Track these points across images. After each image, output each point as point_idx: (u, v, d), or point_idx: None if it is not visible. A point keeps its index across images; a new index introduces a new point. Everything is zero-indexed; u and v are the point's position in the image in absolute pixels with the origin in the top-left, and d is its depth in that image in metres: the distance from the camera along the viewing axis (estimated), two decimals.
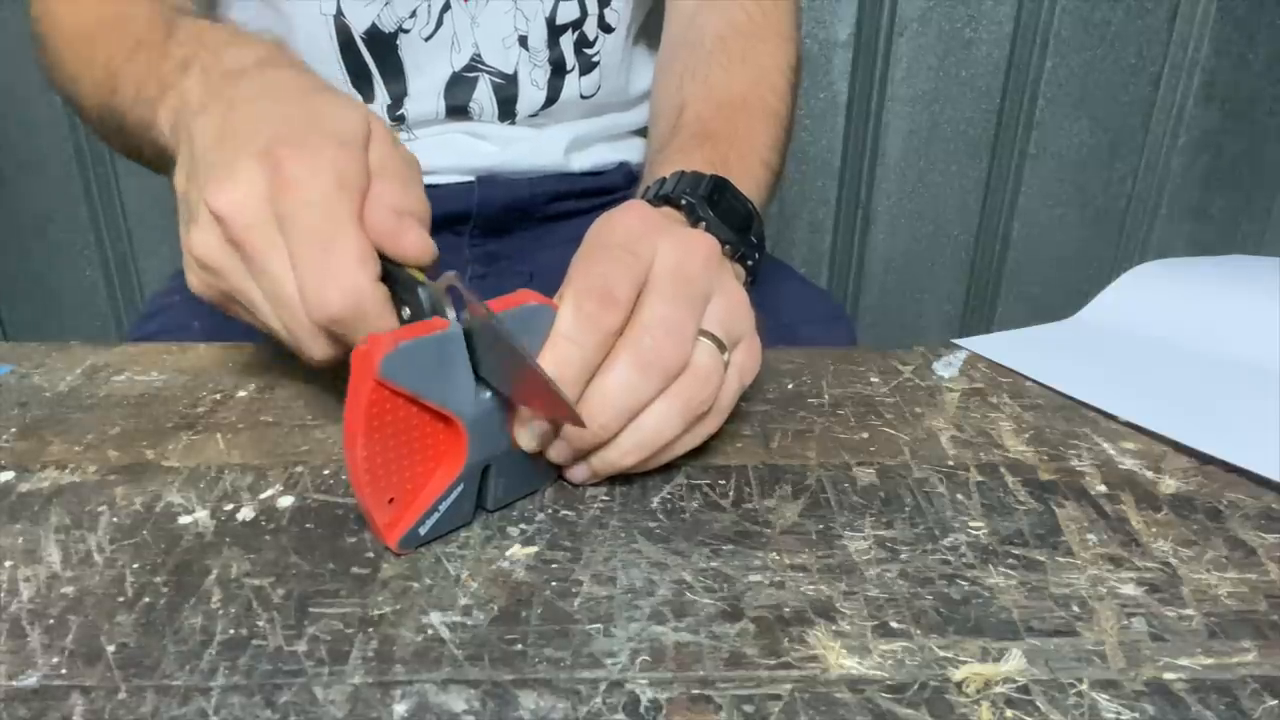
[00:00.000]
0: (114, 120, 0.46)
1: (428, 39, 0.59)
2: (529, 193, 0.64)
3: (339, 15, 0.57)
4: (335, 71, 0.59)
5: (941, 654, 0.26)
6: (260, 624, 0.27)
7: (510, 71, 0.61)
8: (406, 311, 0.32)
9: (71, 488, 0.34)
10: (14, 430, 0.38)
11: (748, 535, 0.31)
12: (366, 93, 0.60)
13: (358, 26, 0.58)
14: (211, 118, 0.35)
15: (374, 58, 0.59)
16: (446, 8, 0.58)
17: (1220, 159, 1.27)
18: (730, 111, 0.54)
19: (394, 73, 0.60)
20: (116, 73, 0.45)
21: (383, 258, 0.32)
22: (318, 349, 0.33)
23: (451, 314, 0.30)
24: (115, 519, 0.32)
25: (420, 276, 0.32)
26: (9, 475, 0.34)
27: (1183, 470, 0.36)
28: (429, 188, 0.66)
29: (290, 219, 0.31)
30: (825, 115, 1.23)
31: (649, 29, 0.67)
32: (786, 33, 0.60)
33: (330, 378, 0.42)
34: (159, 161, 0.43)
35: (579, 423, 0.30)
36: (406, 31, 0.58)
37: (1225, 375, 0.43)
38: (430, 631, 0.27)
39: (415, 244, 0.32)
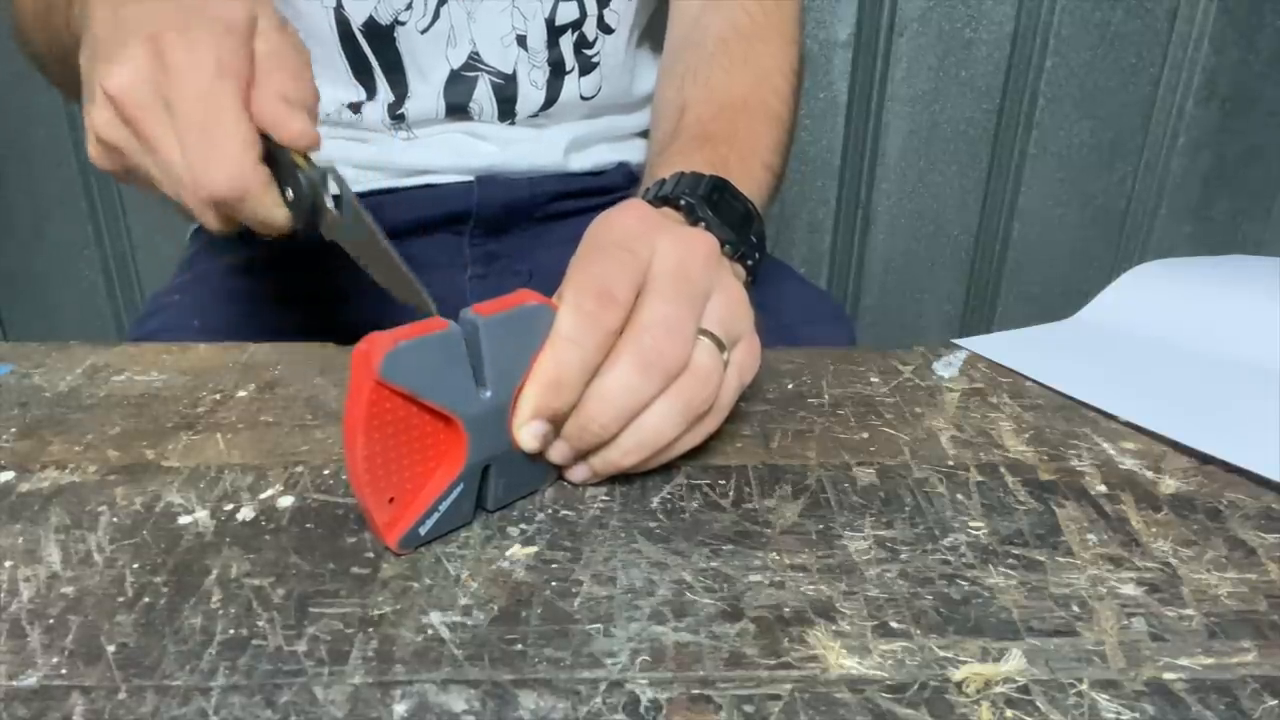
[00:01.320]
0: (58, 47, 0.48)
1: (424, 31, 0.59)
2: (529, 193, 0.64)
3: (339, 7, 0.57)
4: (338, 64, 0.59)
5: (941, 654, 0.26)
6: (260, 624, 0.27)
7: (509, 71, 0.61)
8: (290, 193, 0.34)
9: (71, 488, 0.34)
10: (14, 430, 0.38)
11: (748, 535, 0.31)
12: (369, 87, 0.60)
13: (356, 18, 0.58)
14: (107, 2, 0.37)
15: (373, 50, 0.59)
16: (443, 1, 0.58)
17: (1220, 159, 1.27)
18: (731, 113, 0.54)
19: (394, 67, 0.60)
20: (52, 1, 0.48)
21: (267, 141, 0.34)
22: (212, 222, 0.36)
23: (330, 201, 0.32)
24: (115, 519, 0.32)
25: (302, 161, 0.34)
26: (9, 475, 0.34)
27: (1183, 470, 0.36)
28: (429, 187, 0.66)
29: (174, 105, 0.34)
30: (825, 115, 1.23)
31: (653, 31, 0.66)
32: (789, 34, 0.60)
33: (330, 378, 0.42)
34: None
35: (429, 309, 0.31)
36: (403, 23, 0.58)
37: (1225, 375, 0.43)
38: (430, 631, 0.27)
39: (298, 130, 0.34)
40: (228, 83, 0.34)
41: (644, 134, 0.70)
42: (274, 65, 0.36)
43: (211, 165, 0.33)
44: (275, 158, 0.35)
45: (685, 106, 0.55)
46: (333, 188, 0.33)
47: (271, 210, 0.35)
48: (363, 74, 0.60)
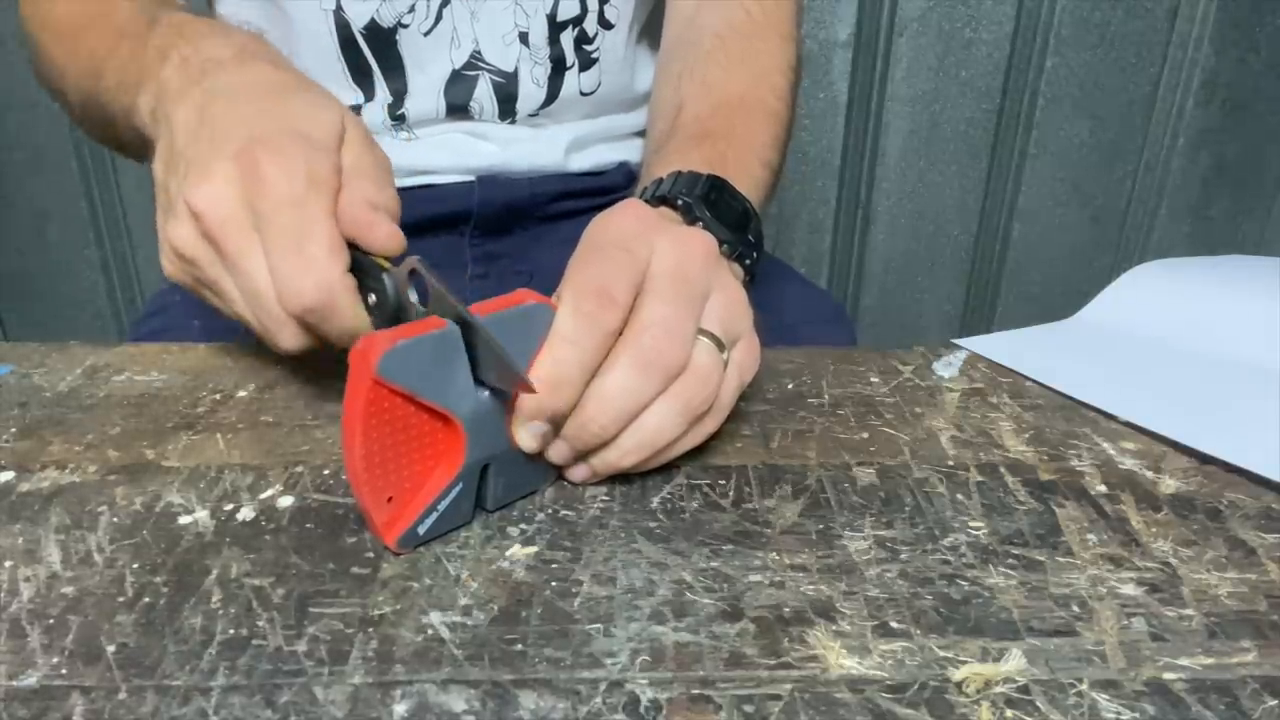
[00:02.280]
0: (98, 110, 0.48)
1: (427, 34, 0.59)
2: (529, 192, 0.64)
3: (339, 10, 0.57)
4: (336, 68, 0.59)
5: (941, 654, 0.26)
6: (260, 624, 0.27)
7: (510, 69, 0.61)
8: (372, 298, 0.34)
9: (71, 488, 0.34)
10: (14, 430, 0.38)
11: (748, 535, 0.31)
12: (367, 90, 0.60)
13: (357, 22, 0.58)
14: (189, 108, 0.37)
15: (374, 53, 0.59)
16: (446, 2, 0.58)
17: (1220, 159, 1.27)
18: (728, 111, 0.54)
19: (394, 69, 0.60)
20: (101, 63, 0.46)
21: (351, 248, 0.34)
22: (288, 339, 0.35)
23: (414, 295, 0.32)
24: (115, 519, 0.32)
25: (385, 264, 0.33)
26: (9, 475, 0.34)
27: (1183, 470, 0.36)
28: (429, 187, 0.66)
29: (265, 216, 0.33)
30: (825, 115, 1.23)
31: (653, 28, 0.66)
32: (787, 32, 0.60)
33: (330, 378, 0.42)
34: (141, 149, 0.45)
35: (530, 389, 0.30)
36: (406, 26, 0.58)
37: (1225, 375, 0.43)
38: (430, 631, 0.27)
39: (386, 235, 0.34)
40: (319, 194, 0.33)
41: (643, 133, 0.70)
42: (359, 174, 0.35)
43: (301, 275, 0.32)
44: (358, 264, 0.34)
45: (682, 104, 0.55)
46: (414, 284, 0.32)
47: (355, 319, 0.34)
48: (362, 77, 0.60)
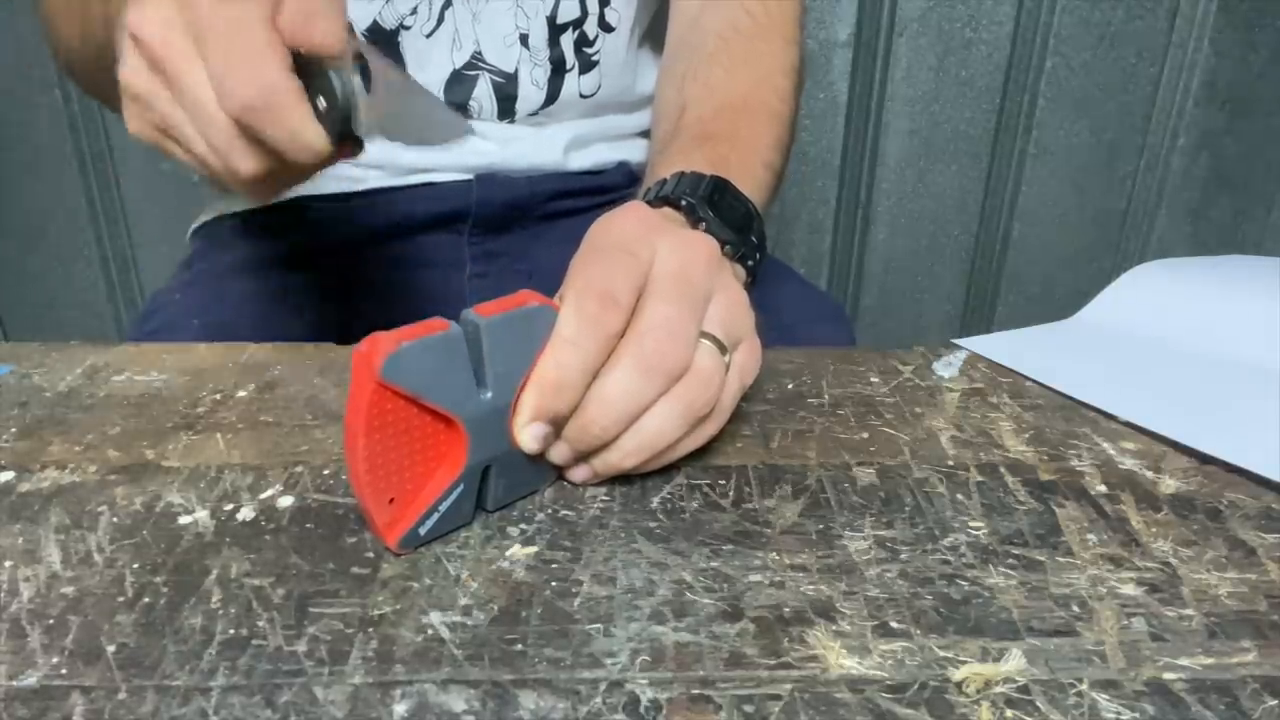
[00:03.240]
0: (91, 41, 0.47)
1: (429, 35, 0.59)
2: (528, 191, 0.64)
3: None
4: None
5: (941, 654, 0.26)
6: (260, 624, 0.27)
7: (510, 70, 0.61)
8: (322, 102, 0.33)
9: (71, 488, 0.34)
10: (14, 430, 0.38)
11: (748, 535, 0.31)
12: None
13: (359, 23, 0.58)
14: None
15: None
16: (448, 4, 0.58)
17: (1220, 159, 1.27)
18: (731, 113, 0.54)
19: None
20: None
21: (297, 58, 0.33)
22: (240, 158, 0.34)
23: (357, 81, 0.31)
24: (115, 519, 0.32)
25: (331, 63, 0.33)
26: (9, 475, 0.34)
27: (1183, 470, 0.36)
28: (428, 185, 0.66)
29: (201, 26, 0.33)
30: (825, 115, 1.23)
31: (655, 31, 0.66)
32: (790, 34, 0.60)
33: (330, 378, 0.42)
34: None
35: (470, 130, 0.30)
36: (408, 28, 0.58)
37: (1225, 375, 0.43)
38: (430, 631, 0.27)
39: (323, 30, 0.33)
40: (254, 2, 0.33)
41: (644, 134, 0.70)
42: None
43: (239, 74, 0.32)
44: (305, 71, 0.34)
45: (685, 106, 0.55)
46: (359, 72, 0.32)
47: (304, 124, 0.34)
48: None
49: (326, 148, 0.34)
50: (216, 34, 0.33)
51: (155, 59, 0.34)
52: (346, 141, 0.35)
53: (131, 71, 0.35)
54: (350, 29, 0.32)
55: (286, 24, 0.33)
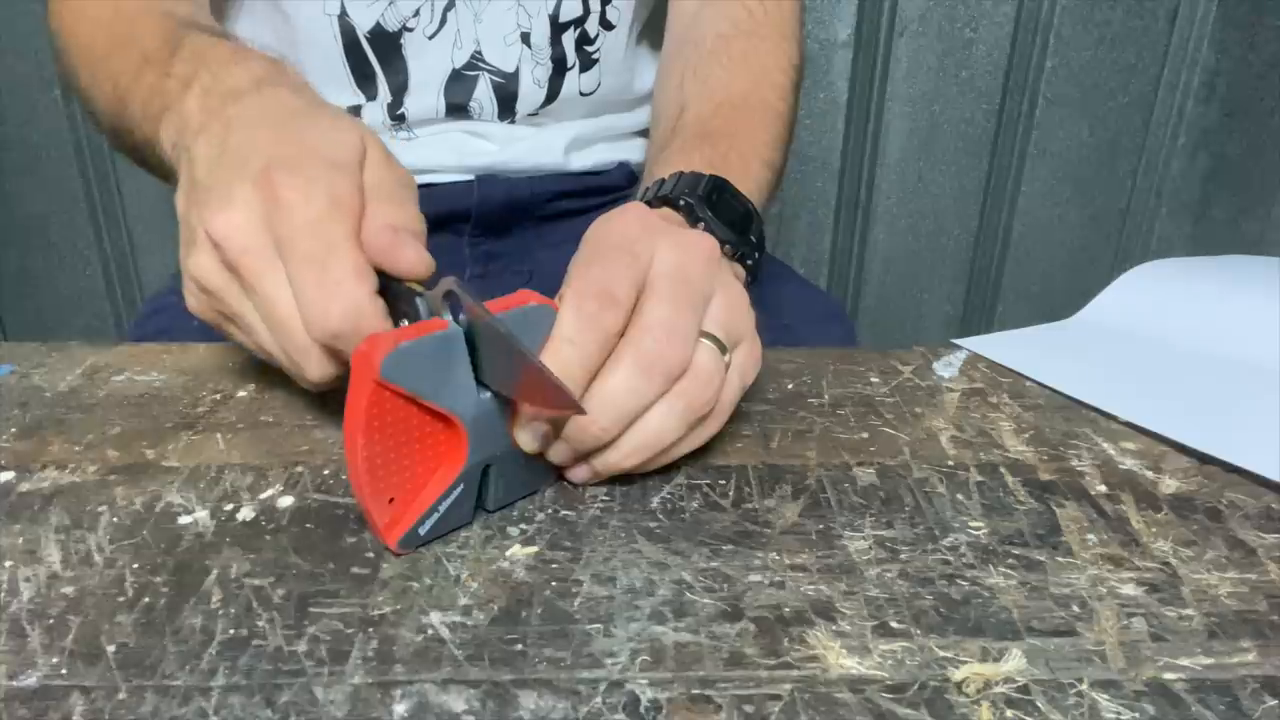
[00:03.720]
0: (125, 136, 0.47)
1: (431, 37, 0.59)
2: (529, 192, 0.64)
3: (343, 15, 0.57)
4: (339, 71, 0.59)
5: (941, 654, 0.26)
6: (260, 624, 0.27)
7: (511, 69, 0.61)
8: (404, 323, 0.32)
9: (71, 488, 0.34)
10: (14, 430, 0.38)
11: (748, 535, 0.31)
12: (369, 91, 0.60)
13: (362, 26, 0.58)
14: (210, 139, 0.35)
15: (378, 57, 0.59)
16: (450, 6, 0.58)
17: (1220, 159, 1.27)
18: (730, 111, 0.54)
19: (396, 71, 0.60)
20: (125, 91, 0.45)
21: (380, 274, 0.32)
22: (314, 368, 0.33)
23: (449, 317, 0.30)
24: (115, 519, 0.32)
25: (418, 288, 0.32)
26: (9, 475, 0.34)
27: (1183, 470, 0.36)
28: (428, 186, 0.66)
29: (287, 241, 0.32)
30: (825, 115, 1.23)
31: (654, 29, 0.66)
32: (789, 32, 0.60)
33: None
34: (167, 176, 0.44)
35: (583, 413, 0.30)
36: (410, 30, 0.58)
37: (1225, 375, 0.43)
38: (430, 631, 0.27)
39: (411, 258, 0.32)
40: (341, 215, 0.32)
41: (644, 133, 0.70)
42: (382, 196, 0.34)
43: (326, 299, 0.31)
44: (388, 288, 0.33)
45: (684, 104, 0.55)
46: (449, 306, 0.30)
47: None
48: (364, 80, 0.60)
49: None
50: (306, 255, 0.31)
51: (234, 264, 0.33)
52: None
53: (202, 268, 0.34)
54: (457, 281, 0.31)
55: (373, 245, 0.32)
